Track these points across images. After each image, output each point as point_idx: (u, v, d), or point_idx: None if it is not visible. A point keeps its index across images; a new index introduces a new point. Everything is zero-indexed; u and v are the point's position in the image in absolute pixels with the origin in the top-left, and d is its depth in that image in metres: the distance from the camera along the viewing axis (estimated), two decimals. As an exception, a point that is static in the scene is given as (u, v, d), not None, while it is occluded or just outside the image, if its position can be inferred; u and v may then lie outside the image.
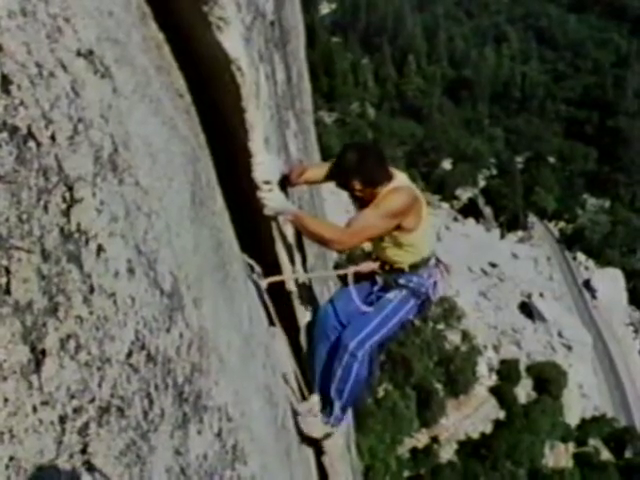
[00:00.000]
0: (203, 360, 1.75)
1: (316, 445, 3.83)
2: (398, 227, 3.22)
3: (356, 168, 3.16)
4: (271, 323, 3.40)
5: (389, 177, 3.25)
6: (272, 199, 3.12)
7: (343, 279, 3.62)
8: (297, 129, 5.42)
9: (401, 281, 3.41)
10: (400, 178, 3.31)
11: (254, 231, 3.42)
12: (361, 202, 3.29)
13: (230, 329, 2.20)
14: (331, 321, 3.53)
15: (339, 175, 3.28)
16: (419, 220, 3.28)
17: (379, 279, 3.48)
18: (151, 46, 2.27)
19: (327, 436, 3.64)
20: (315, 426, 3.56)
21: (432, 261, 3.48)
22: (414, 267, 3.39)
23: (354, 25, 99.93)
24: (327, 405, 3.57)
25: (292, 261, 3.57)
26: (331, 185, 3.52)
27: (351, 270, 3.54)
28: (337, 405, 3.52)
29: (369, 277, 3.53)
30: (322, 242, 3.29)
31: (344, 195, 3.51)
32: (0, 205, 0.91)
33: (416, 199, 3.25)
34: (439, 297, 3.61)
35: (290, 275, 3.53)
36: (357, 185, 3.19)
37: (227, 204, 2.89)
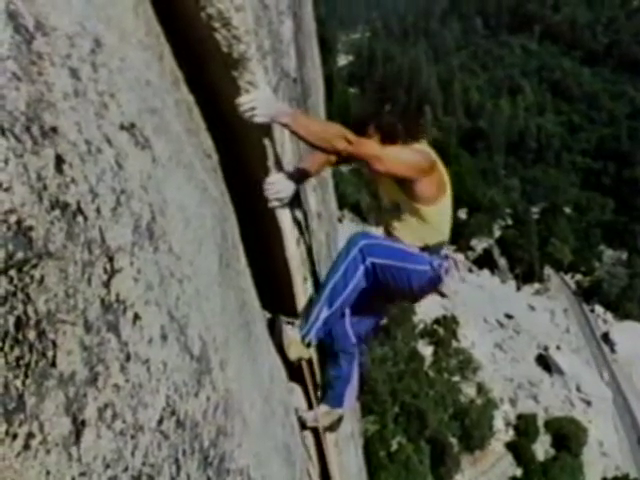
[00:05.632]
0: (228, 422, 1.75)
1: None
2: (419, 199, 3.05)
3: (373, 113, 2.93)
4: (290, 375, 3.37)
5: (412, 135, 3.01)
6: (259, 101, 2.55)
7: None
8: (316, 182, 5.51)
9: None
10: (424, 146, 3.12)
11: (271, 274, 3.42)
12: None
13: (253, 389, 2.21)
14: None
15: (357, 122, 2.96)
16: (441, 194, 3.11)
17: None
18: (182, 110, 2.35)
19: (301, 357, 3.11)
20: (292, 337, 3.05)
21: (443, 251, 3.26)
22: (425, 249, 3.16)
23: (371, 76, 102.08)
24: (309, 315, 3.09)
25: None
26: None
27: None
28: (324, 313, 3.02)
29: None
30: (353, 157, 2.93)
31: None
32: (50, 282, 0.94)
33: (436, 166, 3.05)
34: (448, 287, 3.42)
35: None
36: (373, 134, 2.96)
37: (245, 251, 2.88)
